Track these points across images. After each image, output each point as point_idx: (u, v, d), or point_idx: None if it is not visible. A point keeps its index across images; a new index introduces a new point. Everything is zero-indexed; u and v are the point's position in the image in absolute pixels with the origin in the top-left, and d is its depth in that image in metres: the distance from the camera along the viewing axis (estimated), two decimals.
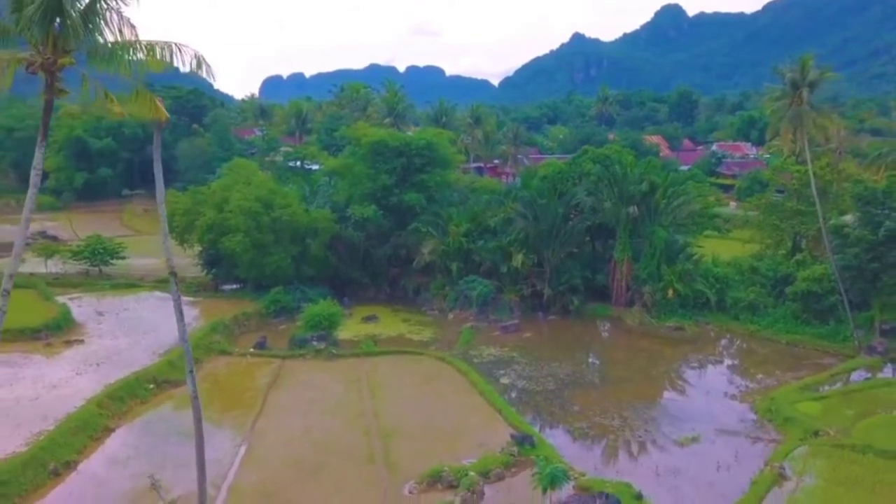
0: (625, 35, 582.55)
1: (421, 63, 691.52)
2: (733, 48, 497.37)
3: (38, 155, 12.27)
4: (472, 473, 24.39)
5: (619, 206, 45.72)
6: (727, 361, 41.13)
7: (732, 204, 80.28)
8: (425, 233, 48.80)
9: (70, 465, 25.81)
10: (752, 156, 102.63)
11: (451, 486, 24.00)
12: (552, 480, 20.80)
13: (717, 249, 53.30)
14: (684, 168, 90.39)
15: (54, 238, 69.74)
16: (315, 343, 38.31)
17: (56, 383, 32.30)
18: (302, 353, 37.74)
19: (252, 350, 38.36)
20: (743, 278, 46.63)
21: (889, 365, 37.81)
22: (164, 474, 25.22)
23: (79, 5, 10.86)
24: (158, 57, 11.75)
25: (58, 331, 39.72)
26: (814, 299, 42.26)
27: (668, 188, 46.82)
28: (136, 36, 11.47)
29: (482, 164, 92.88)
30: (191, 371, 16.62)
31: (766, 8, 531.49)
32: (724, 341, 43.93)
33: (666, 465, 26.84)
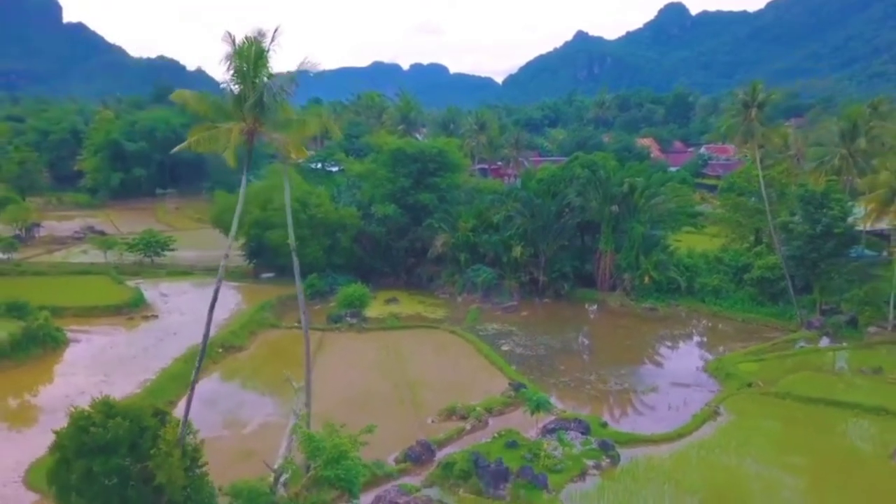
0: (628, 33, 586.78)
1: (425, 61, 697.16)
2: (736, 46, 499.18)
3: (243, 180, 20.04)
4: (479, 408, 32.43)
5: (604, 205, 53.50)
6: (692, 335, 49.04)
7: (716, 203, 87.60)
8: (438, 228, 56.54)
9: (172, 404, 33.83)
10: (736, 158, 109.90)
11: (463, 418, 32.01)
12: (538, 405, 28.73)
13: (694, 243, 61.22)
14: (673, 169, 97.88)
15: (102, 233, 77.97)
16: (348, 319, 46.30)
17: (146, 347, 40.52)
18: (338, 327, 45.76)
19: (297, 324, 46.24)
20: (709, 267, 54.44)
21: (825, 337, 45.61)
22: (242, 411, 33.63)
23: (266, 98, 18.68)
24: (311, 128, 19.67)
25: (135, 308, 47.83)
26: (767, 284, 50.13)
27: (646, 189, 54.55)
28: (293, 113, 19.37)
29: (486, 166, 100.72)
30: (304, 312, 24.47)
31: (768, 6, 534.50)
32: (691, 320, 51.69)
33: (628, 405, 34.85)
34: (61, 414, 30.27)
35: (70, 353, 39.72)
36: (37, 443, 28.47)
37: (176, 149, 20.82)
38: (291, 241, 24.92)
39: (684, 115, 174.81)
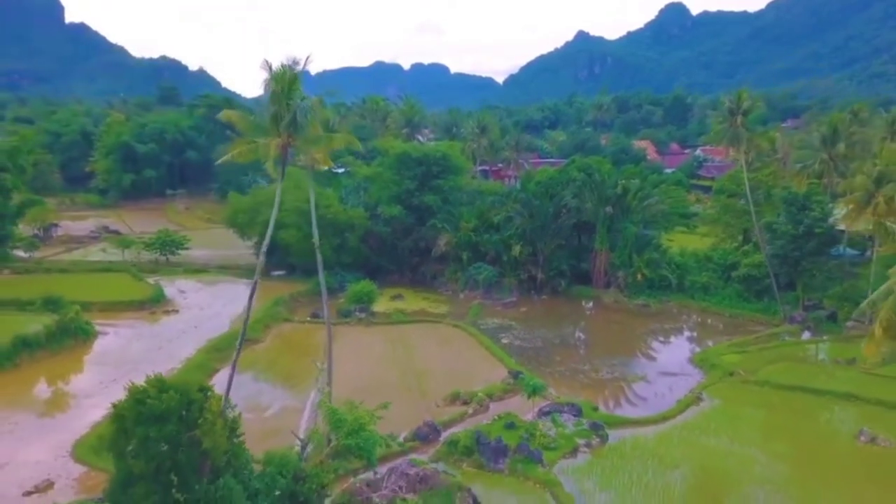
0: (629, 33, 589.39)
1: (426, 61, 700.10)
2: (736, 46, 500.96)
3: (278, 189, 22.94)
4: (480, 394, 35.25)
5: (599, 206, 56.31)
6: (682, 330, 51.80)
7: (708, 204, 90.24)
8: (441, 228, 59.31)
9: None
10: (730, 160, 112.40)
11: (466, 402, 34.83)
12: (534, 390, 31.55)
13: (686, 242, 64.00)
14: (669, 171, 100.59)
15: (117, 232, 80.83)
16: (357, 313, 49.15)
17: (170, 339, 43.38)
18: (348, 321, 48.57)
19: (309, 318, 49.20)
20: (699, 265, 57.23)
21: (806, 331, 48.39)
22: (262, 397, 36.44)
23: (299, 117, 21.54)
24: (336, 143, 22.51)
25: (156, 303, 50.69)
26: (753, 281, 52.93)
27: (639, 191, 57.35)
28: (321, 130, 22.24)
29: (487, 168, 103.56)
30: (326, 302, 27.33)
31: (768, 6, 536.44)
32: (682, 315, 54.45)
33: (618, 392, 37.66)
34: (97, 399, 33.43)
35: (99, 344, 42.59)
36: (79, 423, 31.47)
37: (220, 160, 23.67)
38: (315, 239, 27.76)
39: (682, 116, 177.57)
